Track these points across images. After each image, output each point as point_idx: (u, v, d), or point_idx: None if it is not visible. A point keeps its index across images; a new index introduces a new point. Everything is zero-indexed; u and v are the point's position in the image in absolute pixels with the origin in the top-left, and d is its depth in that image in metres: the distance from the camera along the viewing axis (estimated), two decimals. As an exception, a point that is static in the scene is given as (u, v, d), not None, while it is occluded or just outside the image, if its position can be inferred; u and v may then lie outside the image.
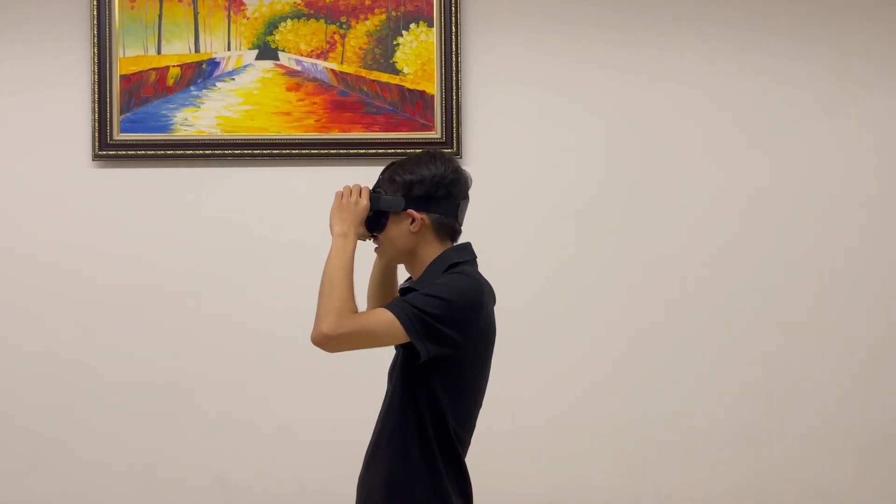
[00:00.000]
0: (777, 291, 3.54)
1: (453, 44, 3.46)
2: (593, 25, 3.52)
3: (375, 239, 2.24)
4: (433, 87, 3.46)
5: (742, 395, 3.53)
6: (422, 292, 2.09)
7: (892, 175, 3.58)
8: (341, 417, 3.31)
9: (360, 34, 3.47)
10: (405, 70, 3.47)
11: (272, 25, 3.46)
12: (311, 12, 3.47)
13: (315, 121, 3.46)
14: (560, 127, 3.52)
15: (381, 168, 2.26)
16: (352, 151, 3.44)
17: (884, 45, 3.57)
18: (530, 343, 3.45)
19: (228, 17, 3.45)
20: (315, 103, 3.46)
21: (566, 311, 3.52)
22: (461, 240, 2.26)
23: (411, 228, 2.18)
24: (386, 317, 2.04)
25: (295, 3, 3.46)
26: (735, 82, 3.54)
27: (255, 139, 3.44)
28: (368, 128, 3.46)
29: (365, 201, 2.18)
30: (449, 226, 2.21)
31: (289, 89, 3.46)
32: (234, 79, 3.45)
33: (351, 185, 2.20)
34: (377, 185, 2.22)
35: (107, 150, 3.41)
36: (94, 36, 3.39)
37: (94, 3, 3.39)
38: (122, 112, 3.41)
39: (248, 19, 3.45)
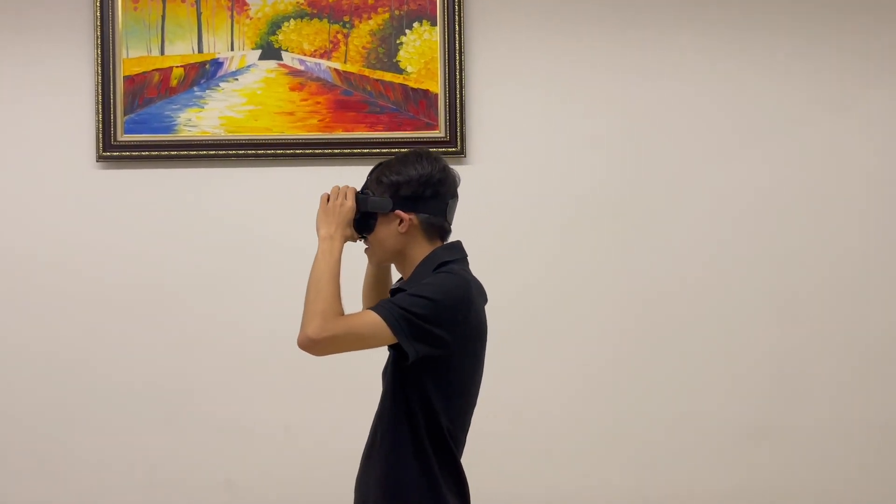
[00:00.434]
0: (778, 291, 3.52)
1: (457, 42, 3.44)
2: (597, 25, 3.51)
3: (365, 240, 2.23)
4: (437, 86, 3.45)
5: (744, 394, 3.51)
6: (408, 292, 2.08)
7: (893, 175, 3.55)
8: (346, 418, 3.27)
9: (363, 33, 3.46)
10: (409, 69, 3.46)
11: (275, 25, 3.46)
12: (315, 12, 3.46)
13: (318, 120, 3.45)
14: (564, 125, 3.51)
15: (384, 167, 2.25)
16: (355, 151, 3.43)
17: (884, 45, 3.54)
18: (535, 342, 3.46)
19: (231, 17, 3.45)
20: (318, 103, 3.46)
21: (570, 309, 3.50)
22: (452, 237, 2.25)
23: (400, 229, 2.17)
24: (372, 318, 2.03)
25: (298, 2, 3.45)
26: (736, 82, 3.52)
27: (259, 139, 3.44)
28: (372, 127, 3.45)
29: (350, 203, 2.17)
30: (438, 225, 2.20)
31: (292, 89, 3.45)
32: (237, 79, 3.45)
33: (339, 187, 2.19)
34: (365, 187, 2.22)
35: (111, 151, 3.42)
36: (97, 37, 3.40)
37: (98, 4, 3.40)
38: (125, 113, 3.42)
39: (251, 19, 3.45)
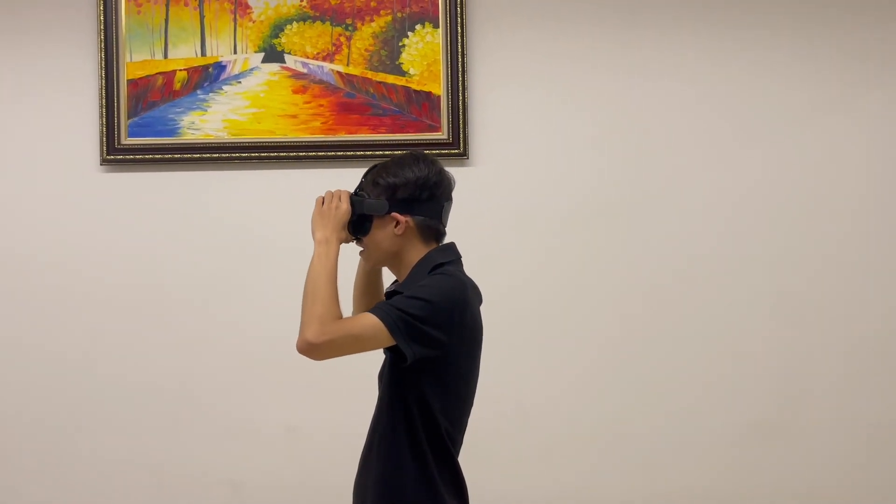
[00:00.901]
0: (778, 291, 3.51)
1: (459, 44, 3.44)
2: (597, 27, 3.50)
3: (360, 242, 2.24)
4: (439, 88, 3.45)
5: (744, 394, 3.51)
6: (405, 294, 2.08)
7: (893, 175, 3.54)
8: (350, 418, 3.25)
9: (365, 36, 3.47)
10: (411, 71, 3.46)
11: (278, 28, 3.46)
12: (317, 14, 3.47)
13: (321, 123, 3.46)
14: (566, 127, 3.51)
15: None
16: (358, 153, 3.44)
17: (884, 45, 3.53)
18: (537, 342, 3.47)
19: (234, 20, 3.46)
20: (321, 105, 3.46)
21: (573, 310, 3.50)
22: (447, 239, 2.25)
23: (395, 231, 2.17)
24: (370, 321, 2.04)
25: (300, 5, 3.46)
26: (736, 82, 3.51)
27: (262, 142, 3.45)
28: (375, 129, 3.45)
29: (345, 205, 2.17)
30: (433, 227, 2.20)
31: (295, 92, 3.46)
32: (240, 82, 3.46)
33: (332, 191, 2.20)
34: (359, 188, 2.22)
35: (114, 154, 3.43)
36: (100, 41, 3.42)
37: (101, 8, 3.42)
38: (129, 116, 3.43)
39: (253, 22, 3.46)
